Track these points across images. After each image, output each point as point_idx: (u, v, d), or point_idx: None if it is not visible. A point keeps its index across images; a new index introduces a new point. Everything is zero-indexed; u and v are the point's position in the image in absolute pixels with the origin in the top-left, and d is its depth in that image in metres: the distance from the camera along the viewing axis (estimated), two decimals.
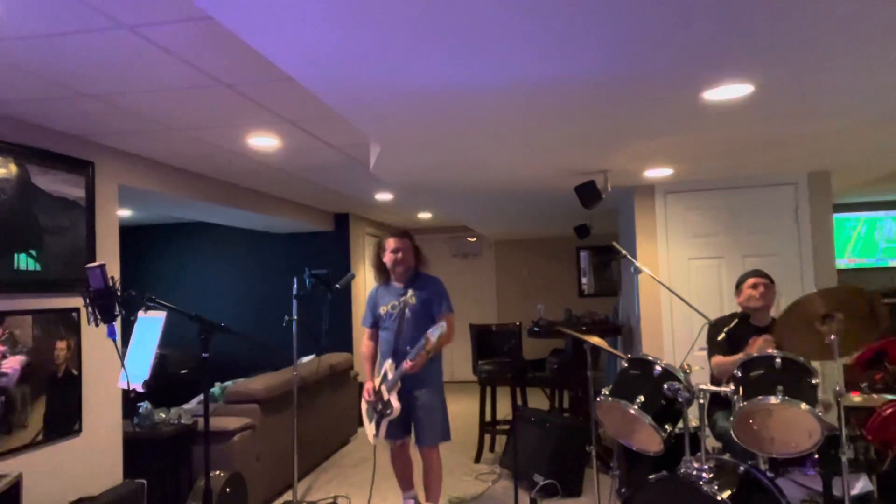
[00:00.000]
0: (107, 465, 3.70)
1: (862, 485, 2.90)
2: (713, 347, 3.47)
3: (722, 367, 3.26)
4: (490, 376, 5.42)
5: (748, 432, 2.72)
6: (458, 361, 9.23)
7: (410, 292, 3.84)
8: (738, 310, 3.57)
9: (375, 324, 3.98)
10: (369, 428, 3.90)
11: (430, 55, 2.18)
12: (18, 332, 3.17)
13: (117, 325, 2.47)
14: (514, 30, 1.99)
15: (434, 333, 3.48)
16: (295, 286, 4.39)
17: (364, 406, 3.96)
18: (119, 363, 3.66)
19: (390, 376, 3.77)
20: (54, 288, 3.38)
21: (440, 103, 2.72)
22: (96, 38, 2.32)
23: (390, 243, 3.89)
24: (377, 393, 3.81)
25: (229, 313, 7.35)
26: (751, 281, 3.51)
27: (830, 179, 4.77)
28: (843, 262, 7.74)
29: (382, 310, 3.91)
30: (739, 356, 3.01)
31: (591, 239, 6.94)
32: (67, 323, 3.46)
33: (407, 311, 3.82)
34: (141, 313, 3.53)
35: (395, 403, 3.71)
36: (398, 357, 3.77)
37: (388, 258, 3.90)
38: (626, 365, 3.03)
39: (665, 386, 2.76)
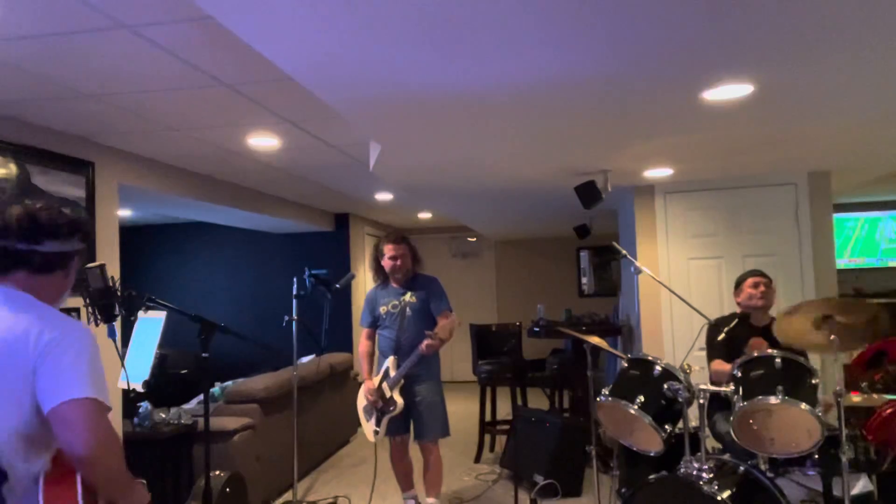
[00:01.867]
0: None
1: (862, 485, 2.90)
2: (712, 350, 3.47)
3: (721, 374, 3.27)
4: (490, 376, 5.42)
5: (748, 432, 2.72)
6: (458, 361, 9.22)
7: (410, 292, 3.89)
8: (738, 309, 3.57)
9: (373, 324, 4.02)
10: (367, 427, 3.93)
11: (430, 56, 2.18)
12: None
13: (117, 325, 2.46)
14: (514, 31, 1.99)
15: (445, 329, 3.62)
16: (295, 286, 4.39)
17: (360, 405, 3.98)
18: (119, 363, 3.66)
19: (392, 374, 3.80)
20: None
21: (440, 103, 2.72)
22: (96, 38, 2.32)
23: (388, 249, 3.91)
24: (378, 390, 3.83)
25: (229, 313, 7.34)
26: (751, 280, 3.50)
27: (830, 179, 4.76)
28: (843, 262, 7.73)
29: (383, 310, 3.95)
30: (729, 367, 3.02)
31: (591, 239, 6.94)
32: None
33: (408, 309, 3.87)
34: (141, 313, 3.53)
35: (399, 400, 3.77)
36: (401, 355, 3.81)
37: (387, 264, 3.93)
38: (626, 365, 3.03)
39: (665, 386, 2.76)
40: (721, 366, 3.29)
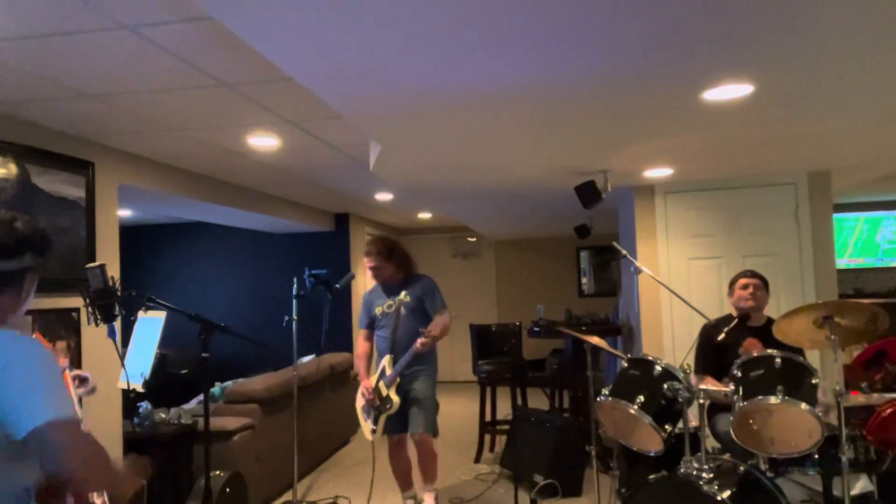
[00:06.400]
0: None
1: (862, 485, 2.89)
2: (703, 355, 3.49)
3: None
4: (490, 376, 5.42)
5: (748, 432, 2.72)
6: (458, 361, 9.22)
7: (404, 292, 3.94)
8: (733, 311, 3.57)
9: (371, 325, 4.07)
10: (366, 425, 3.97)
11: (431, 56, 2.18)
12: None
13: (117, 325, 2.46)
14: (514, 31, 1.99)
15: (437, 327, 3.68)
16: (295, 286, 4.39)
17: (359, 404, 4.01)
18: (119, 363, 3.66)
19: (388, 372, 3.86)
20: (54, 288, 3.38)
21: (441, 104, 2.72)
22: (96, 38, 2.32)
23: (366, 261, 4.02)
24: (375, 390, 3.88)
25: (229, 313, 7.34)
26: (742, 282, 3.51)
27: (830, 179, 4.76)
28: (843, 262, 7.73)
29: (378, 310, 4.00)
30: (723, 387, 3.00)
31: (591, 239, 6.94)
32: (67, 323, 3.46)
33: (402, 309, 3.93)
34: (141, 313, 3.53)
35: (395, 398, 3.81)
36: (396, 354, 3.86)
37: (369, 273, 4.06)
38: (626, 365, 3.03)
39: (665, 386, 2.76)
40: (712, 384, 3.31)
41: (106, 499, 1.66)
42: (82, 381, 1.95)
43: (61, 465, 1.38)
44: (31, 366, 1.40)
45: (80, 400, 1.96)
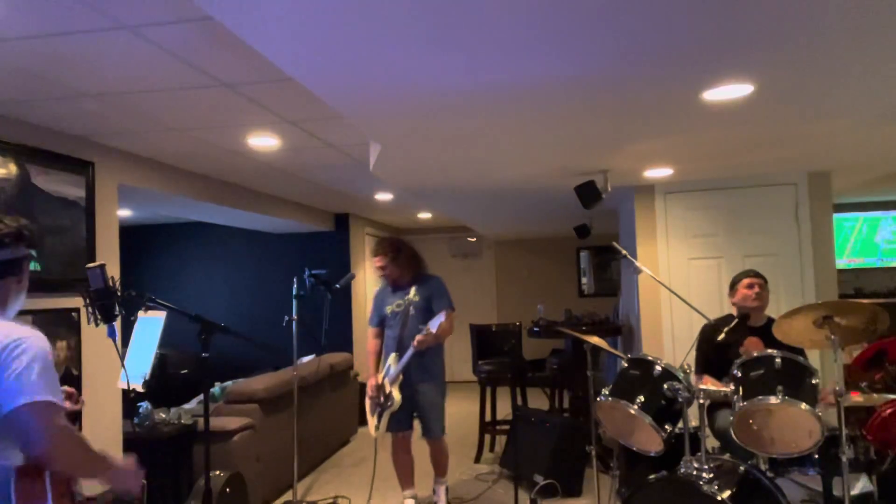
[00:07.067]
0: None
1: (862, 485, 2.89)
2: (700, 357, 3.48)
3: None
4: (490, 376, 5.42)
5: (748, 432, 2.72)
6: (458, 361, 9.21)
7: (414, 290, 3.96)
8: (734, 310, 3.57)
9: (381, 323, 4.11)
10: (372, 421, 4.02)
11: (430, 56, 2.18)
12: None
13: (117, 325, 2.46)
14: (514, 31, 1.99)
15: (434, 324, 3.68)
16: (295, 286, 4.39)
17: (368, 401, 4.06)
18: (119, 363, 3.66)
19: (393, 369, 3.88)
20: (54, 288, 3.38)
21: (441, 104, 2.72)
22: (96, 38, 2.32)
23: (374, 261, 4.06)
24: (380, 387, 3.92)
25: (229, 313, 7.34)
26: (746, 281, 3.51)
27: (830, 179, 4.76)
28: (842, 262, 7.73)
29: (388, 309, 4.05)
30: (723, 387, 3.00)
31: (591, 239, 6.94)
32: (67, 323, 3.46)
33: (411, 308, 3.95)
34: (141, 313, 3.53)
35: (396, 396, 3.85)
36: (402, 352, 3.89)
37: (377, 273, 4.10)
38: (626, 365, 3.03)
39: (665, 386, 2.76)
40: (710, 384, 3.30)
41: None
42: (68, 396, 1.98)
43: (31, 443, 1.52)
44: (34, 354, 1.56)
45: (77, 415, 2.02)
